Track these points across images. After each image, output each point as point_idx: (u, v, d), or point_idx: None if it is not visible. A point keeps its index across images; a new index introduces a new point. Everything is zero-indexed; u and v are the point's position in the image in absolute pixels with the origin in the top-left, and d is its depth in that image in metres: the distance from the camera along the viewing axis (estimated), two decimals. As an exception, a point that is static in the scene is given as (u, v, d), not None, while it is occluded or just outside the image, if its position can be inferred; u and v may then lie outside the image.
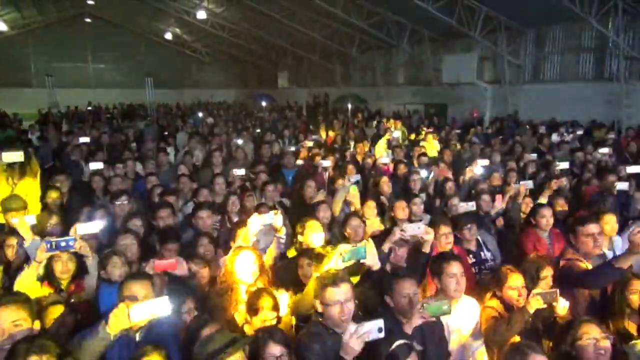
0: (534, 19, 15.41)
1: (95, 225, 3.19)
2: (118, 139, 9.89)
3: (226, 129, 12.05)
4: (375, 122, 15.06)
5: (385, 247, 3.25)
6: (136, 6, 26.55)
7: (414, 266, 3.35)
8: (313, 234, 3.61)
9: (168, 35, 30.73)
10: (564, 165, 6.22)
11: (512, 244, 4.44)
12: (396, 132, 9.78)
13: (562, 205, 4.83)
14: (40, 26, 29.35)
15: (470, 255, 4.10)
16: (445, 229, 3.84)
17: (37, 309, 2.52)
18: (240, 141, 8.42)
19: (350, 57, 23.26)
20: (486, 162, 6.45)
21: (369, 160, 7.19)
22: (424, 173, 6.06)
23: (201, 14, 23.12)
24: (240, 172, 5.74)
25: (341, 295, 2.39)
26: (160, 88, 32.94)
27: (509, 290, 3.02)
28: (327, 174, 6.31)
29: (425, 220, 4.65)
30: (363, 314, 2.66)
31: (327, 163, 6.33)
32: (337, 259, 2.67)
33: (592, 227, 3.43)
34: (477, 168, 5.95)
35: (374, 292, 2.96)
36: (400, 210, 4.62)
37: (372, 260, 2.89)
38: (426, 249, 3.30)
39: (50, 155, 8.51)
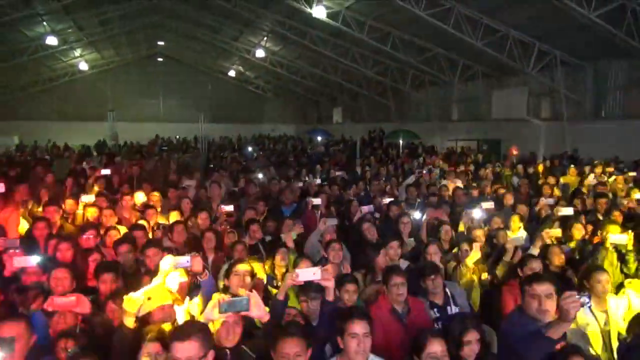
0: (592, 52, 14.65)
1: None
2: (158, 170, 10.37)
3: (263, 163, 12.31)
4: (420, 159, 14.84)
5: (280, 294, 3.12)
6: (202, 46, 28.26)
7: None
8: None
9: (232, 73, 32.22)
10: (568, 211, 5.62)
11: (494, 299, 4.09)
12: (426, 169, 9.50)
13: (558, 257, 4.38)
14: (117, 65, 31.81)
15: (435, 310, 3.79)
16: (397, 279, 3.55)
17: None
18: (260, 175, 8.54)
19: (404, 92, 23.19)
20: (490, 204, 6.05)
21: (379, 199, 6.99)
22: (417, 215, 5.78)
23: (260, 53, 24.10)
24: (228, 208, 5.77)
25: (183, 353, 2.31)
26: (223, 122, 34.64)
27: (427, 358, 2.68)
28: (319, 212, 6.22)
29: (403, 265, 4.42)
30: None
31: (318, 201, 6.22)
32: (213, 309, 2.58)
33: (539, 288, 2.96)
34: (476, 211, 5.59)
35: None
36: (381, 255, 4.41)
37: (258, 312, 2.75)
38: (328, 296, 3.11)
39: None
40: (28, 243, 4.68)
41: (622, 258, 4.61)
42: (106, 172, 8.24)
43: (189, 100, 34.74)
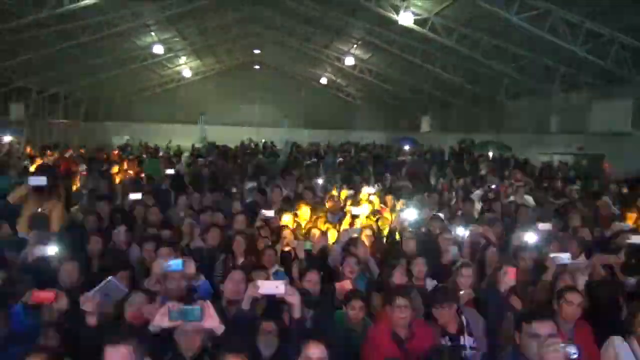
0: None
1: None
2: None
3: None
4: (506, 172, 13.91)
5: (244, 304, 3.04)
6: (296, 55, 29.07)
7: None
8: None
9: (323, 80, 32.75)
10: (637, 239, 4.73)
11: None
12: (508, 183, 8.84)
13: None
14: (217, 72, 33.76)
15: (447, 338, 3.44)
16: (400, 301, 3.27)
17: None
18: (320, 181, 8.54)
19: (498, 102, 21.99)
20: (547, 226, 5.41)
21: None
22: (461, 231, 5.34)
23: (350, 60, 24.25)
24: (269, 213, 5.78)
25: (112, 357, 2.31)
26: (316, 128, 35.36)
27: None
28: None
29: (431, 285, 4.11)
30: None
31: (358, 211, 6.11)
32: (163, 316, 2.52)
33: (539, 327, 2.53)
34: (529, 234, 5.02)
35: None
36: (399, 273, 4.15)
37: (212, 323, 2.65)
38: (294, 314, 2.94)
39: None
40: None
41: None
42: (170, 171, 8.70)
43: (282, 106, 35.90)
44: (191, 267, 3.38)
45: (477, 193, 8.58)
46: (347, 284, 4.07)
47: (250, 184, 8.33)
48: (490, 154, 19.07)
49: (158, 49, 22.08)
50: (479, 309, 3.86)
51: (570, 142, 18.45)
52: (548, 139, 19.81)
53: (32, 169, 10.95)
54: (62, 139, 25.49)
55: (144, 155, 16.25)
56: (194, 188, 8.30)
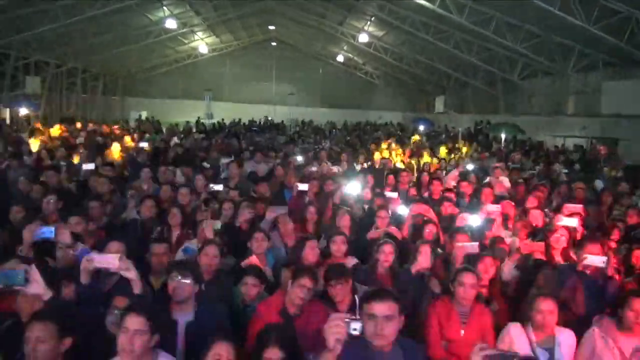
0: None
1: None
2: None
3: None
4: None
5: (82, 277, 3.01)
6: (311, 31, 28.73)
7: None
8: None
9: (340, 58, 32.34)
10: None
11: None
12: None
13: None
14: (235, 49, 33.67)
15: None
16: (304, 281, 3.21)
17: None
18: (299, 158, 8.52)
19: (513, 83, 21.35)
20: (494, 208, 5.38)
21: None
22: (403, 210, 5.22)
23: (363, 37, 23.83)
24: (217, 187, 5.81)
25: (34, 332, 2.38)
26: (332, 107, 35.13)
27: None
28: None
29: (351, 263, 4.06)
30: None
31: (304, 187, 5.99)
32: None
33: (378, 307, 2.38)
34: (473, 217, 4.96)
35: None
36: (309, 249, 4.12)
37: (37, 289, 2.61)
38: (134, 289, 3.00)
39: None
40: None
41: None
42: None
43: (299, 84, 35.69)
44: (65, 235, 3.39)
45: (453, 173, 8.37)
46: (253, 259, 4.04)
47: (225, 160, 8.35)
48: (503, 135, 18.57)
49: (171, 24, 22.08)
50: (396, 287, 3.75)
51: (585, 124, 17.86)
52: (564, 121, 19.21)
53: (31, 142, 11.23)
54: (79, 113, 26.04)
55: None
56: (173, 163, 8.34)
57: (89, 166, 6.73)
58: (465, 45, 19.83)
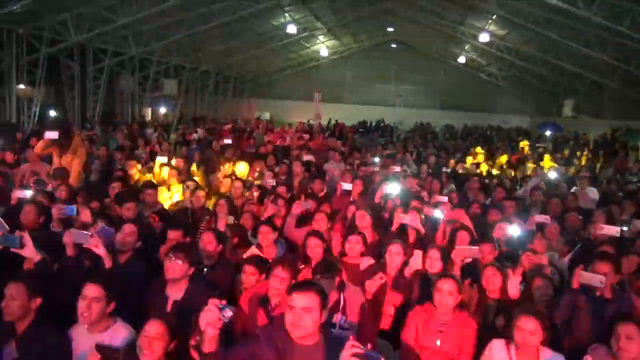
0: None
1: None
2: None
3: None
4: None
5: (68, 250, 3.49)
6: (430, 32, 28.09)
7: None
8: None
9: (461, 59, 31.19)
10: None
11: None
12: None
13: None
14: (355, 51, 34.22)
15: None
16: (281, 273, 3.31)
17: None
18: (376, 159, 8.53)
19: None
20: (542, 219, 4.90)
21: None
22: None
23: (484, 37, 22.70)
24: (271, 181, 6.44)
25: (9, 291, 2.96)
26: (453, 110, 33.99)
27: None
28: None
29: (366, 263, 4.02)
30: None
31: (348, 186, 5.92)
32: None
33: (295, 299, 2.38)
34: (512, 227, 4.51)
35: None
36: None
37: (29, 252, 3.17)
38: (105, 264, 3.53)
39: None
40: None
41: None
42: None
43: (420, 86, 35.13)
44: (86, 215, 3.92)
45: (533, 181, 7.73)
46: (254, 250, 4.22)
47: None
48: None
49: (291, 29, 23.20)
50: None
51: None
52: None
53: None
54: (210, 113, 28.56)
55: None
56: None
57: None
58: (597, 42, 17.92)
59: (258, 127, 17.59)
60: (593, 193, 7.16)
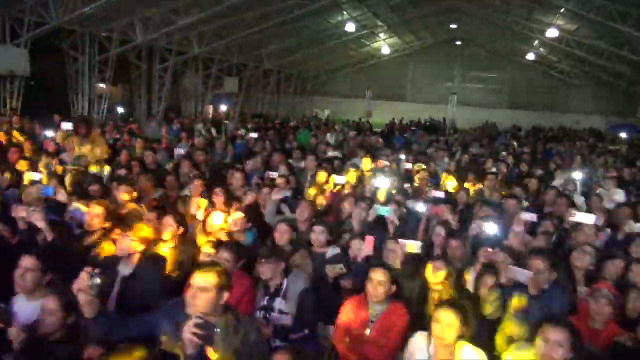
0: None
1: None
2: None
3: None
4: None
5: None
6: (497, 29, 27.07)
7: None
8: None
9: (530, 56, 29.76)
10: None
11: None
12: None
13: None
14: (418, 49, 33.63)
15: (266, 298, 3.61)
16: (220, 254, 3.72)
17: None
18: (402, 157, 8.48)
19: None
20: (529, 217, 4.91)
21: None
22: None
23: (552, 32, 21.54)
24: (273, 174, 6.54)
25: None
26: (521, 109, 32.53)
27: None
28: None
29: (332, 252, 4.21)
30: None
31: (341, 179, 6.22)
32: None
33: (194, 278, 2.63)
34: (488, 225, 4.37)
35: None
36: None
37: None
38: (47, 236, 4.02)
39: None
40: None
41: None
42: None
43: (485, 85, 33.99)
44: (62, 195, 4.61)
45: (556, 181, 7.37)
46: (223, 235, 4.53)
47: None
48: None
49: (350, 27, 23.19)
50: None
51: None
52: None
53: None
54: (271, 111, 29.25)
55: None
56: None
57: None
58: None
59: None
60: (619, 195, 6.70)
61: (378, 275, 3.30)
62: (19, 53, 13.64)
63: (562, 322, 2.65)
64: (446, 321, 2.75)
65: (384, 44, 30.60)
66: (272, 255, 3.60)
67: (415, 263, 3.85)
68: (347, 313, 3.41)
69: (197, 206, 4.98)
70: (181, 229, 4.26)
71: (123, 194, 4.98)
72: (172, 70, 20.75)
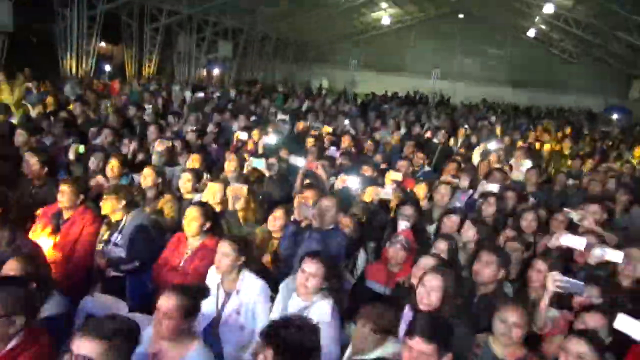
0: None
1: None
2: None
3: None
4: None
5: None
6: (499, 3, 26.55)
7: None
8: None
9: (530, 33, 29.30)
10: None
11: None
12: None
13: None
14: (419, 21, 33.10)
15: None
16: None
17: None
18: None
19: None
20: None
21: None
22: None
23: (549, 8, 21.22)
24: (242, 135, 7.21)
25: None
26: (519, 87, 32.13)
27: None
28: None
29: None
30: None
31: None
32: None
33: None
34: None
35: None
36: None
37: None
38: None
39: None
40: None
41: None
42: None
43: (485, 60, 33.51)
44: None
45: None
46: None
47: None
48: None
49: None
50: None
51: None
52: None
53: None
54: (265, 77, 29.02)
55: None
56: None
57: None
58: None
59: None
60: (526, 164, 6.75)
61: (191, 213, 3.78)
62: (3, 6, 13.63)
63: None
64: None
65: (386, 15, 30.17)
66: (114, 192, 3.99)
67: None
68: (169, 248, 3.88)
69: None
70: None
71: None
72: (164, 30, 20.63)
